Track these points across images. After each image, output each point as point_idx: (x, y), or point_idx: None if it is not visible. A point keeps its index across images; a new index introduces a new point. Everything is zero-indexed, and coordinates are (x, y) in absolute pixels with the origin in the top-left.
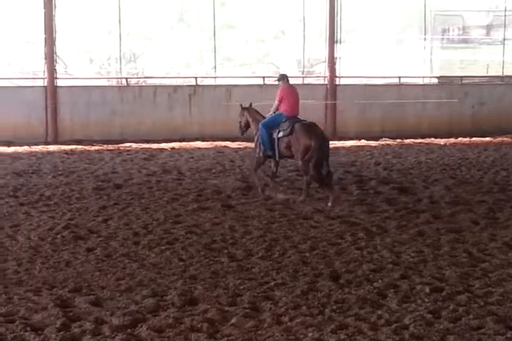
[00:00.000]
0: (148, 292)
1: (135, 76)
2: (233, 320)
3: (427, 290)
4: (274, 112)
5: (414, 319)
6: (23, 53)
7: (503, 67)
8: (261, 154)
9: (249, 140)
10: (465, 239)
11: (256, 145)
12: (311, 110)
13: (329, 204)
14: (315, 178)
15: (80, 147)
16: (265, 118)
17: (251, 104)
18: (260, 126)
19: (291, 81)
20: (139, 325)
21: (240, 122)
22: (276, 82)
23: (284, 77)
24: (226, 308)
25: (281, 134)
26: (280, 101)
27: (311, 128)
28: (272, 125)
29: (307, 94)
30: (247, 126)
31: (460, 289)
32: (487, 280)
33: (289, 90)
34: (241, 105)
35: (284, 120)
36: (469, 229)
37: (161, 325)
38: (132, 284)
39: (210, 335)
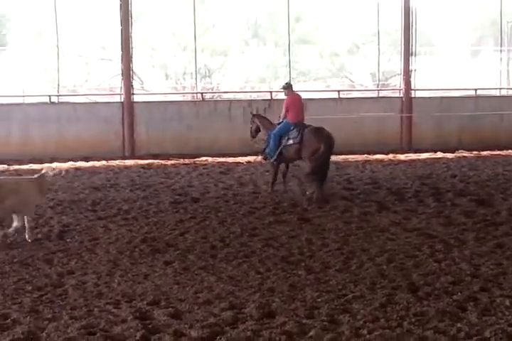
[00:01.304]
0: (226, 304)
1: (210, 91)
2: (311, 333)
3: (507, 303)
4: (282, 120)
5: (494, 332)
6: (100, 70)
7: None
8: (272, 161)
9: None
10: None
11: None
12: (387, 123)
13: (308, 192)
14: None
15: (156, 161)
16: (273, 124)
17: (257, 111)
18: (272, 135)
19: (367, 94)
20: (218, 338)
21: (251, 128)
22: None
23: (288, 87)
24: (304, 321)
25: (290, 142)
26: (287, 110)
27: (319, 131)
28: (282, 133)
29: (382, 107)
30: (258, 131)
31: None
32: None
33: (293, 99)
34: (251, 113)
35: (291, 128)
36: None
37: (239, 338)
38: (210, 297)
39: None
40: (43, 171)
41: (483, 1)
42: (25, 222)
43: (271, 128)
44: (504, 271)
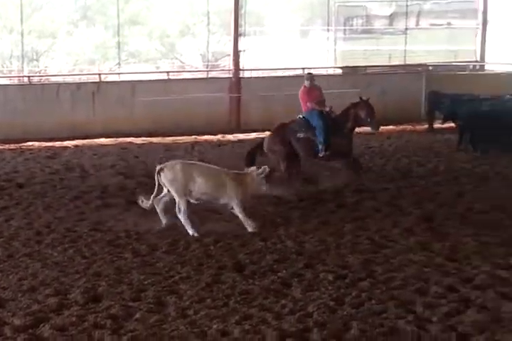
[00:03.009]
0: (51, 291)
1: (37, 74)
2: (137, 315)
3: (331, 278)
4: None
5: (317, 307)
6: None
7: (405, 57)
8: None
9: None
10: (368, 226)
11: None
12: (216, 104)
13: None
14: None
15: None
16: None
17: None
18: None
19: (197, 75)
20: (42, 325)
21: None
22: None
23: (309, 77)
24: (130, 304)
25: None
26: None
27: None
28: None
29: (212, 88)
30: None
31: (363, 276)
32: (389, 266)
33: (314, 91)
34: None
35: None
36: (372, 217)
37: (63, 324)
38: (35, 284)
39: (113, 331)
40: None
41: None
42: None
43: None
44: (328, 247)
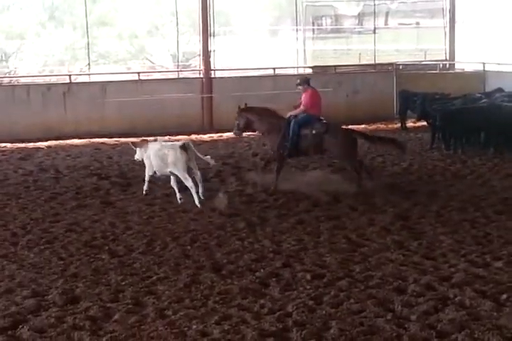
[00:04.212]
0: (29, 292)
1: (7, 75)
2: (116, 316)
3: (309, 277)
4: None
5: (296, 306)
6: None
7: (374, 56)
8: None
9: (122, 136)
10: (344, 225)
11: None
12: (188, 104)
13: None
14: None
15: None
16: (281, 117)
17: (246, 105)
18: (293, 124)
19: (168, 76)
20: (20, 326)
21: (238, 124)
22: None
23: (306, 81)
24: (108, 305)
25: (314, 131)
26: (309, 105)
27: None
28: (304, 123)
29: (183, 88)
30: (248, 126)
31: (341, 275)
32: (367, 265)
33: (315, 93)
34: (239, 107)
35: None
36: (348, 216)
37: (42, 325)
38: (12, 285)
39: (92, 333)
40: None
41: None
42: None
43: (279, 120)
44: (305, 246)
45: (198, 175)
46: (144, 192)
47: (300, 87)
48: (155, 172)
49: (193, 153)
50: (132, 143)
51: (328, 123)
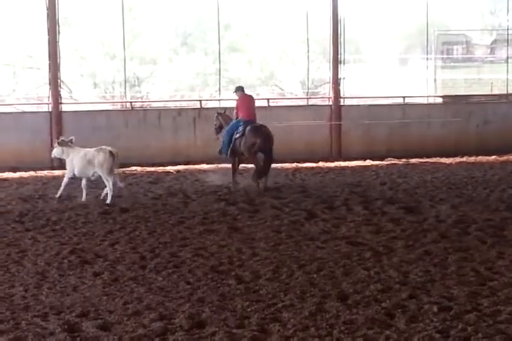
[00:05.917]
0: (156, 315)
1: (139, 100)
2: None
3: (435, 309)
4: (236, 118)
5: (422, 339)
6: (28, 79)
7: (507, 86)
8: (227, 156)
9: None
10: (472, 257)
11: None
12: (316, 131)
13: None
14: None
15: None
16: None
17: (225, 111)
18: (225, 132)
19: (297, 102)
20: None
21: (215, 125)
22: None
23: (239, 89)
24: (234, 331)
25: (237, 136)
26: (238, 109)
27: (257, 128)
28: (233, 130)
29: (312, 115)
30: (221, 128)
31: (468, 308)
32: (495, 299)
33: (245, 99)
34: (217, 112)
35: (241, 124)
36: (477, 248)
37: None
38: (140, 308)
39: None
40: None
41: (410, 10)
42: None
43: None
44: (432, 278)
45: (115, 179)
46: (57, 196)
47: (235, 93)
48: (74, 175)
49: (118, 161)
50: (60, 141)
51: (246, 127)
